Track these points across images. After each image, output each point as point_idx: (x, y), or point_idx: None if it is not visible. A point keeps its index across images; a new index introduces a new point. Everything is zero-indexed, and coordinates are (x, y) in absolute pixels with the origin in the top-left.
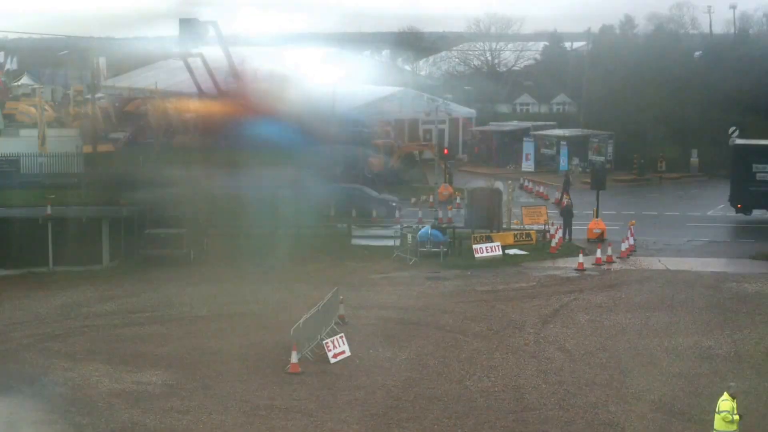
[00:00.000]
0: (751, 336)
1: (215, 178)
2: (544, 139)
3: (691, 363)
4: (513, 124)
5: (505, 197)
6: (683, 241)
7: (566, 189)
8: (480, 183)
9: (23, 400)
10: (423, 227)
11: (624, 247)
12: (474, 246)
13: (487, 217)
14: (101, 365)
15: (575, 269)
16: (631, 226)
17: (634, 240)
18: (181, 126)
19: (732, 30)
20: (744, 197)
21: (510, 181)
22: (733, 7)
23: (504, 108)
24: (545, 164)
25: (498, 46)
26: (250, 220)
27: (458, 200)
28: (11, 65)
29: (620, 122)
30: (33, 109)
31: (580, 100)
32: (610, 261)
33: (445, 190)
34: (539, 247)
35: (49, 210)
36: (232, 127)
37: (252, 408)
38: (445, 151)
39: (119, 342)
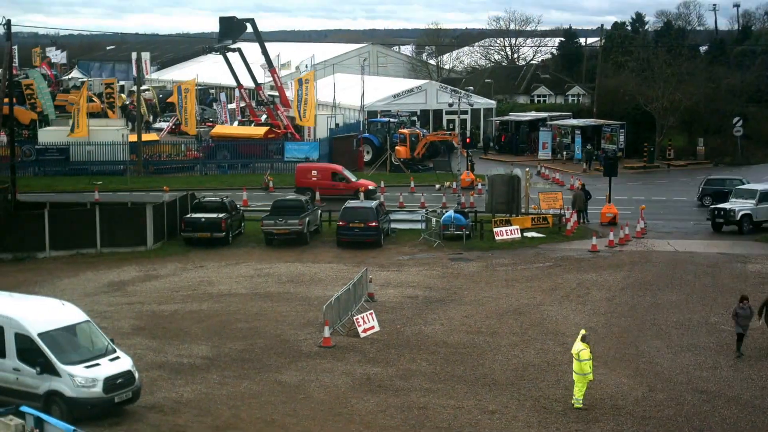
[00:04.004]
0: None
1: None
2: (560, 128)
3: (699, 337)
4: (531, 115)
5: (523, 183)
6: (690, 224)
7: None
8: (500, 170)
9: None
10: (447, 211)
11: (635, 230)
12: (494, 229)
13: (507, 202)
14: (145, 340)
15: (589, 251)
16: (642, 211)
17: (645, 223)
18: None
19: (735, 26)
20: None
21: (528, 168)
22: (737, 5)
23: (522, 99)
24: (561, 152)
25: (517, 42)
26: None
27: (479, 186)
28: (62, 60)
29: (631, 113)
30: (86, 102)
31: (594, 91)
32: (622, 243)
33: (467, 176)
34: (555, 230)
35: (97, 195)
36: None
37: (287, 379)
38: (468, 140)
39: (162, 318)
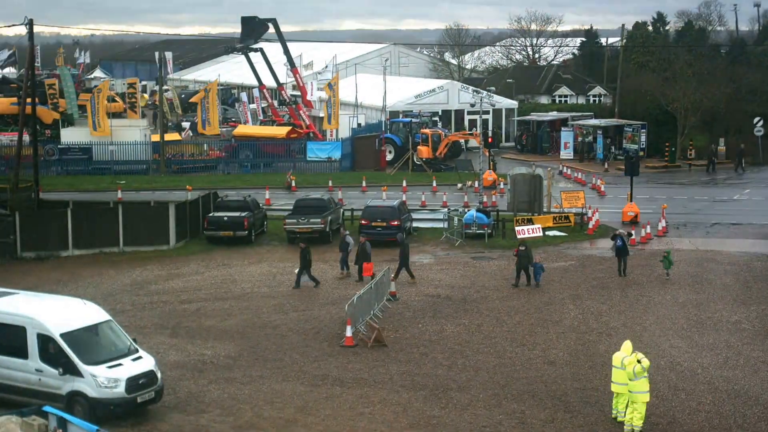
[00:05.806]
0: None
1: None
2: (581, 128)
3: (720, 336)
4: (552, 115)
5: (545, 182)
6: (711, 223)
7: None
8: (522, 169)
9: None
10: (469, 210)
11: (657, 228)
12: (516, 228)
13: (529, 201)
14: (168, 338)
15: (610, 249)
16: (663, 210)
17: (666, 222)
18: None
19: (756, 26)
20: None
21: (550, 168)
22: (758, 5)
23: (544, 99)
24: (583, 152)
25: (538, 42)
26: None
27: (502, 185)
28: (85, 60)
29: (652, 112)
30: (105, 101)
31: (615, 91)
32: (643, 242)
33: (489, 176)
34: (577, 229)
35: (120, 194)
36: None
37: (309, 378)
38: (490, 139)
39: (185, 317)
